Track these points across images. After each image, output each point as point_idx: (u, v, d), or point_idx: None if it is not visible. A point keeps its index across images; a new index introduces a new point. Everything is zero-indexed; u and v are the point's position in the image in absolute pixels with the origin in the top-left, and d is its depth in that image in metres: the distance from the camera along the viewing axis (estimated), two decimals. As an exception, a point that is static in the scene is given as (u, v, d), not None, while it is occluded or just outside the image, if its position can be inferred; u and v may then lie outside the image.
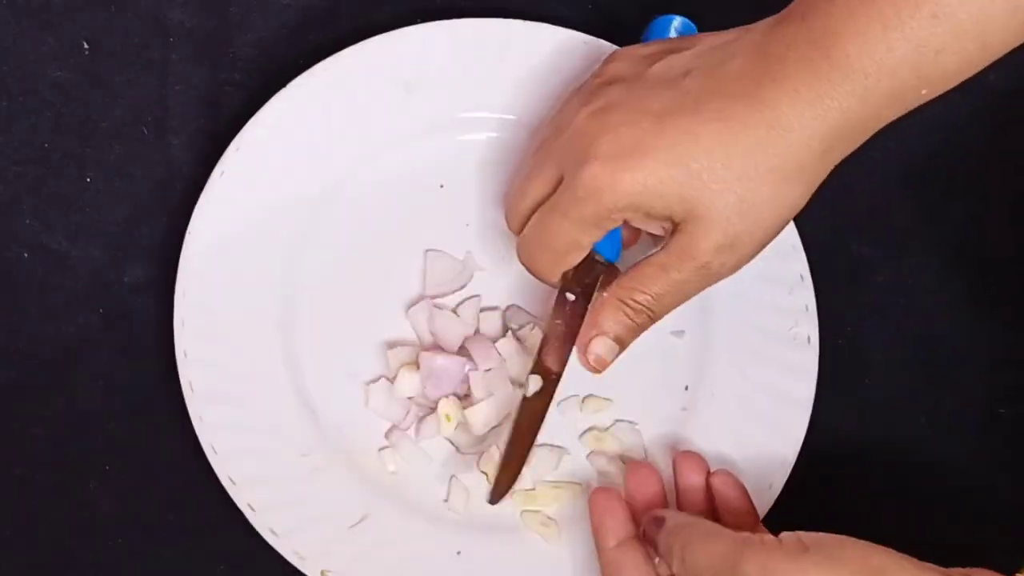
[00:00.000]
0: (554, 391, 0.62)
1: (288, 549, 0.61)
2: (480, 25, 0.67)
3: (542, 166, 0.59)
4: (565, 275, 0.60)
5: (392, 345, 0.65)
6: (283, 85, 0.66)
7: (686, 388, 0.66)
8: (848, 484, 0.67)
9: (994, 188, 0.72)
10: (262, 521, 0.61)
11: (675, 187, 0.54)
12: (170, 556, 0.64)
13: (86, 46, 0.69)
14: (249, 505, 0.61)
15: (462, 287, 0.67)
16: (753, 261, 0.66)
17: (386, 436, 0.64)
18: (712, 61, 0.56)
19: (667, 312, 0.59)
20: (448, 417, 0.64)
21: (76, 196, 0.67)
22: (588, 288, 0.62)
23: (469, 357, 0.65)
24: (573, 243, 0.58)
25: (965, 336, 0.69)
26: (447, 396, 0.64)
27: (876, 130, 0.54)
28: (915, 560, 0.52)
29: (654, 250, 0.57)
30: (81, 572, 0.64)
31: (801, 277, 0.66)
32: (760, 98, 0.53)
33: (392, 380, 0.65)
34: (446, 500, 0.64)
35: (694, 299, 0.66)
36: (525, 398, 0.62)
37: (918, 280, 0.70)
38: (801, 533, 0.53)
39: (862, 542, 0.52)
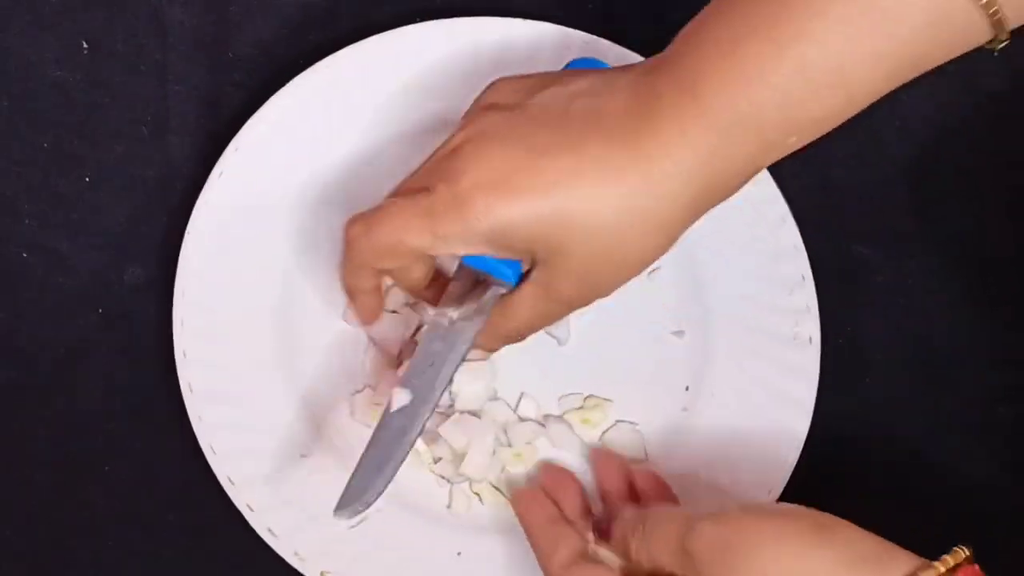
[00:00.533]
0: (429, 410, 0.58)
1: (287, 550, 0.61)
2: (480, 25, 0.67)
3: (410, 180, 0.58)
4: (447, 293, 0.60)
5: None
6: (283, 85, 0.66)
7: (686, 388, 0.66)
8: (848, 484, 0.67)
9: (994, 188, 0.72)
10: (261, 521, 0.61)
11: (543, 228, 0.53)
12: (170, 556, 0.64)
13: (86, 46, 0.69)
14: (248, 505, 0.61)
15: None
16: (754, 261, 0.67)
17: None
18: (594, 98, 0.55)
19: (529, 333, 0.60)
20: (413, 459, 0.64)
21: (76, 196, 0.67)
22: (471, 309, 0.59)
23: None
24: (414, 246, 0.56)
25: (965, 336, 0.69)
26: None
27: (745, 181, 0.54)
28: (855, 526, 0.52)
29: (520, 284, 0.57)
30: (81, 572, 0.64)
31: (803, 277, 0.66)
32: (638, 145, 0.53)
33: (375, 388, 0.65)
34: (449, 506, 0.64)
35: (694, 299, 0.67)
36: (387, 412, 0.58)
37: (918, 280, 0.70)
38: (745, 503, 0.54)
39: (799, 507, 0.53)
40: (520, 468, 0.64)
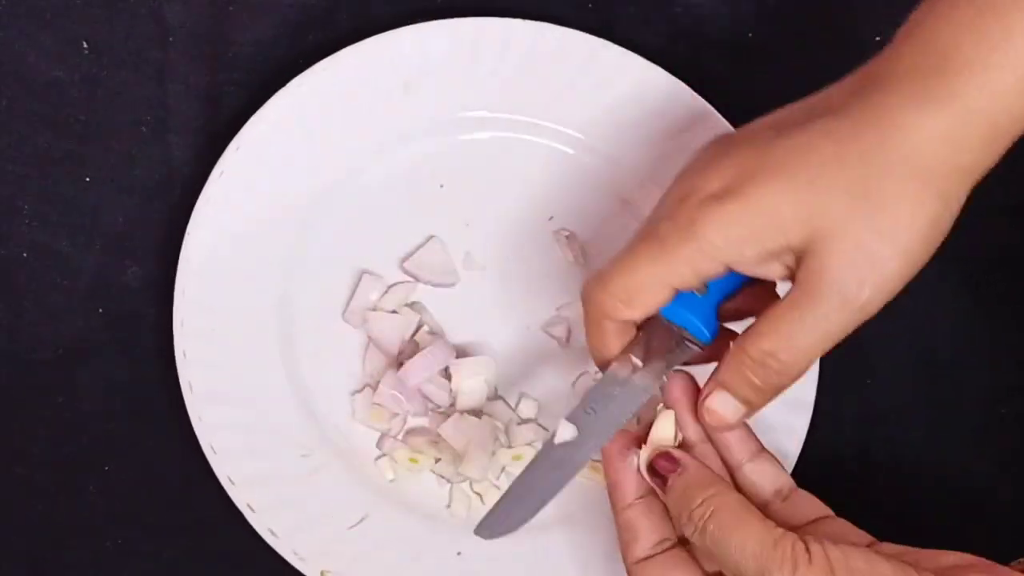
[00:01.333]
0: (589, 454, 0.54)
1: (288, 549, 0.61)
2: (480, 25, 0.67)
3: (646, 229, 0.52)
4: (638, 339, 0.53)
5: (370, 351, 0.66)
6: (283, 85, 0.66)
7: (686, 388, 0.66)
8: (848, 484, 0.67)
9: (994, 188, 0.71)
10: (261, 521, 0.61)
11: (787, 207, 0.48)
12: (170, 556, 0.64)
13: (86, 46, 0.69)
14: (248, 505, 0.61)
15: (451, 285, 0.67)
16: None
17: (378, 445, 0.64)
18: (811, 98, 0.52)
19: (805, 363, 0.50)
20: (413, 460, 0.64)
21: (76, 196, 0.67)
22: (659, 364, 0.53)
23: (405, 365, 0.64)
24: (653, 280, 0.50)
25: (966, 336, 0.69)
26: (421, 414, 0.65)
27: (1012, 135, 0.50)
28: None
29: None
30: (81, 572, 0.64)
31: (801, 277, 0.66)
32: (865, 103, 0.49)
33: (374, 388, 0.65)
34: (448, 506, 0.64)
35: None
36: (552, 444, 0.54)
37: (919, 280, 0.70)
38: (828, 550, 0.48)
39: (889, 564, 0.49)
40: (520, 468, 0.64)
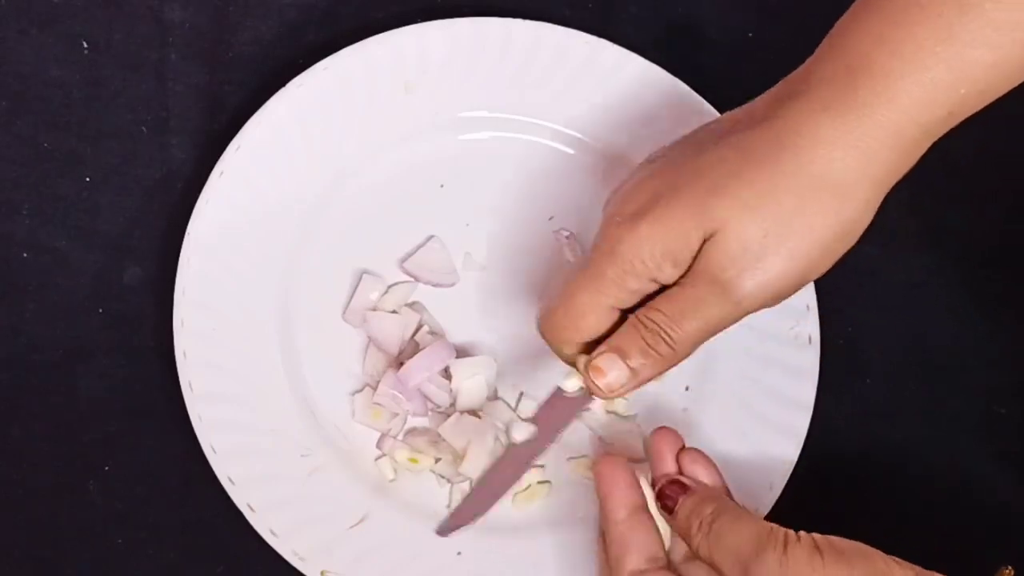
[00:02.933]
0: (541, 449, 0.60)
1: (288, 549, 0.61)
2: (480, 25, 0.67)
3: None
4: (584, 348, 0.57)
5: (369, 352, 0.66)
6: (283, 85, 0.66)
7: (687, 389, 0.66)
8: (848, 484, 0.67)
9: (993, 188, 0.72)
10: (262, 521, 0.61)
11: (689, 218, 0.52)
12: (170, 556, 0.64)
13: (86, 46, 0.69)
14: (249, 505, 0.61)
15: (451, 285, 0.67)
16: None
17: (378, 445, 0.64)
18: (735, 112, 0.55)
19: (690, 344, 0.54)
20: (413, 460, 0.64)
21: (76, 196, 0.67)
22: None
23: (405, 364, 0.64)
24: (591, 304, 0.55)
25: (965, 336, 0.69)
26: (421, 414, 0.65)
27: (922, 144, 0.52)
28: (919, 568, 0.52)
29: None
30: (81, 572, 0.64)
31: (802, 277, 0.66)
32: (779, 114, 0.52)
33: (374, 388, 0.65)
34: (448, 506, 0.64)
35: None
36: (512, 444, 0.60)
37: (919, 280, 0.70)
38: (815, 536, 0.52)
39: (871, 550, 0.52)
40: None
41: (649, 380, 0.55)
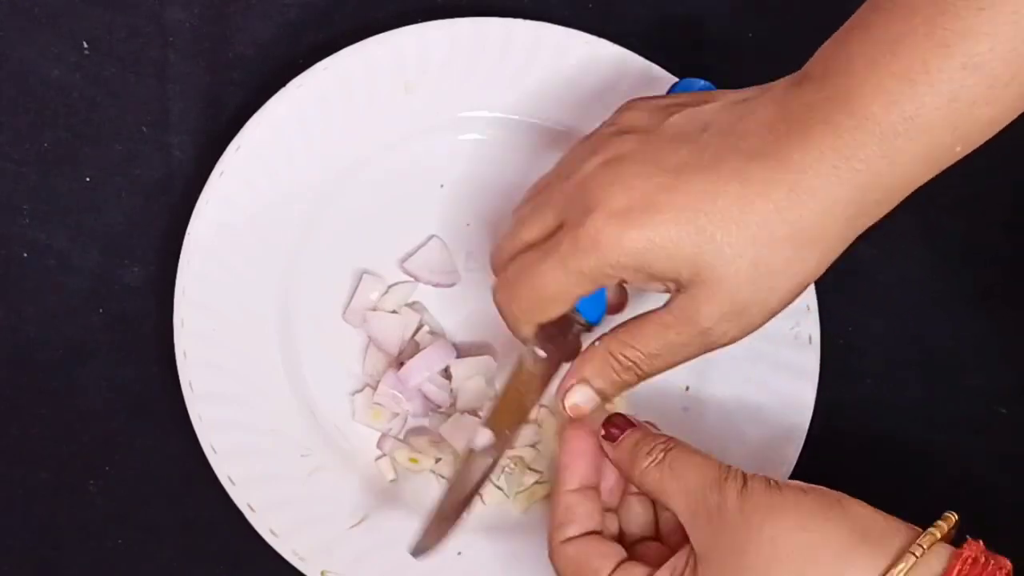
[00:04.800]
0: (504, 449, 0.59)
1: (288, 549, 0.61)
2: (480, 25, 0.67)
3: (540, 209, 0.56)
4: (540, 328, 0.57)
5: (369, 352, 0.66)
6: (283, 85, 0.66)
7: (687, 388, 0.66)
8: (848, 484, 0.67)
9: (994, 188, 0.72)
10: (262, 521, 0.61)
11: (685, 248, 0.51)
12: (170, 556, 0.64)
13: (86, 46, 0.69)
14: (249, 505, 0.61)
15: (451, 285, 0.67)
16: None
17: (378, 445, 0.64)
18: (731, 117, 0.53)
19: (656, 373, 0.56)
20: (413, 460, 0.64)
21: (76, 196, 0.67)
22: (560, 348, 0.59)
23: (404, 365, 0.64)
24: (561, 293, 0.54)
25: (965, 336, 0.69)
26: (421, 414, 0.65)
27: (904, 196, 0.52)
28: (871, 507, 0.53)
29: (655, 308, 0.54)
30: (81, 572, 0.64)
31: (802, 277, 0.66)
32: (781, 159, 0.50)
33: (375, 388, 0.64)
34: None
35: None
36: (471, 451, 0.58)
37: (918, 280, 0.70)
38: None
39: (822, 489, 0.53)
40: (519, 468, 0.64)
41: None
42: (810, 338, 0.66)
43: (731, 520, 0.51)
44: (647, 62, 0.67)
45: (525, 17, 0.68)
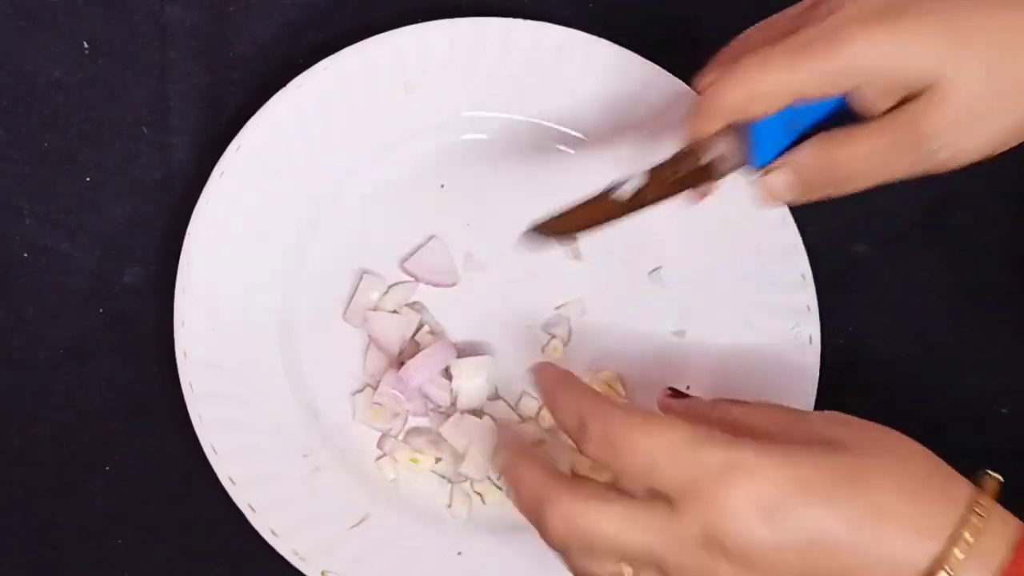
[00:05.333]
0: (643, 205, 0.56)
1: (288, 549, 0.61)
2: (480, 25, 0.67)
3: (794, 11, 0.54)
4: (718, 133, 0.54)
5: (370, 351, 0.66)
6: (283, 85, 0.66)
7: (687, 388, 0.66)
8: (848, 484, 0.67)
9: (994, 188, 0.72)
10: (262, 521, 0.61)
11: (930, 49, 0.50)
12: (170, 556, 0.64)
13: (86, 46, 0.69)
14: (249, 505, 0.61)
15: (451, 285, 0.67)
16: (754, 261, 0.67)
17: (378, 445, 0.64)
18: None
19: (853, 183, 0.53)
20: (413, 460, 0.64)
21: (76, 196, 0.67)
22: (685, 177, 0.56)
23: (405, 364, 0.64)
24: (783, 87, 0.51)
25: (965, 335, 0.69)
26: (422, 414, 0.65)
27: None
28: None
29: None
30: (81, 572, 0.64)
31: (802, 277, 0.66)
32: None
33: (375, 388, 0.65)
34: (449, 506, 0.64)
35: (696, 299, 0.67)
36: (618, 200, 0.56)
37: (918, 280, 0.70)
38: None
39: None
40: None
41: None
42: (810, 338, 0.66)
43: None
44: (647, 62, 0.67)
45: (525, 17, 0.68)
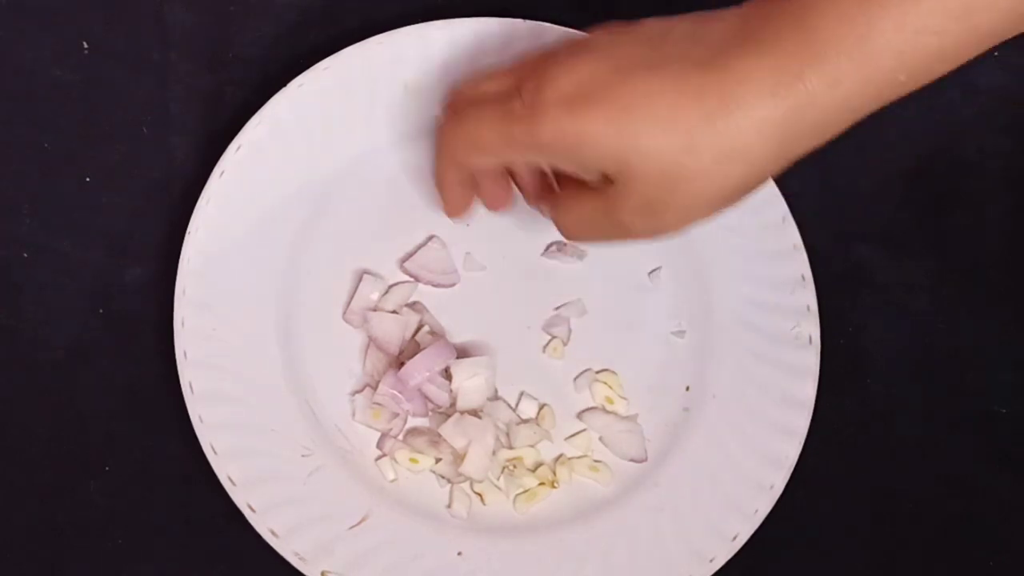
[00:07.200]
0: None
1: (288, 550, 0.61)
2: (480, 25, 0.67)
3: (507, 72, 0.57)
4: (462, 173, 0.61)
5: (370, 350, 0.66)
6: (283, 85, 0.66)
7: (687, 388, 0.66)
8: (848, 484, 0.67)
9: (994, 188, 0.72)
10: (262, 522, 0.61)
11: (612, 143, 0.52)
12: (170, 556, 0.64)
13: (86, 46, 0.69)
14: (249, 506, 0.61)
15: (451, 285, 0.67)
16: (754, 261, 0.67)
17: (378, 445, 0.64)
18: (696, 25, 0.54)
19: (584, 240, 0.61)
20: (413, 460, 0.64)
21: (76, 196, 0.67)
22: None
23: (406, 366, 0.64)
24: (492, 147, 0.56)
25: (965, 336, 0.69)
26: (422, 414, 0.65)
27: (844, 126, 0.52)
28: None
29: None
30: (81, 572, 0.64)
31: (802, 277, 0.66)
32: (722, 69, 0.51)
33: (375, 388, 0.64)
34: (449, 506, 0.64)
35: (696, 299, 0.67)
36: None
37: (918, 280, 0.70)
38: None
39: None
40: (519, 468, 0.64)
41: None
42: (810, 338, 0.66)
43: None
44: (647, 62, 0.67)
45: (525, 17, 0.68)
